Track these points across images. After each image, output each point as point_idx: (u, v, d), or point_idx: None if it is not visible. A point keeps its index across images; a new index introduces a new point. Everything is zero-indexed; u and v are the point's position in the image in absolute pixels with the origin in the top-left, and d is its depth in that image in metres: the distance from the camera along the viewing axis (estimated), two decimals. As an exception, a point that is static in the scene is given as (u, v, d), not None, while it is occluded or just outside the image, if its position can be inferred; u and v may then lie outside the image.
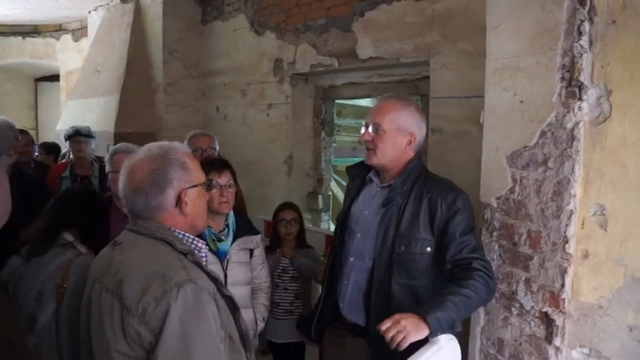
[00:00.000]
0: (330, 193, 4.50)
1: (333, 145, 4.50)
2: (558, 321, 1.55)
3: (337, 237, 2.06)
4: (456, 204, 1.73)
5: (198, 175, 1.42)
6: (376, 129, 1.82)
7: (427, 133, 3.22)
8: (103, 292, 1.28)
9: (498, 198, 1.74)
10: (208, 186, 1.51)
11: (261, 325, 2.30)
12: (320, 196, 4.35)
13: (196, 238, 1.43)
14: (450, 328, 1.59)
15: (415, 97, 3.85)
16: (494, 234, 1.77)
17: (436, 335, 1.54)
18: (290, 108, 4.26)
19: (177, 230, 1.38)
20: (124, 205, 1.40)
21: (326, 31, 3.83)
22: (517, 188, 1.67)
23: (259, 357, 3.07)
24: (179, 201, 1.36)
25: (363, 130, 1.88)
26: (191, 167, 1.40)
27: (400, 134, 1.82)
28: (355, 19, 3.60)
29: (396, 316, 1.55)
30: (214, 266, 2.03)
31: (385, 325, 1.53)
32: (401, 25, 3.32)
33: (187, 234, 1.41)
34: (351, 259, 1.93)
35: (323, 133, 4.33)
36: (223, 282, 2.03)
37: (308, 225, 4.11)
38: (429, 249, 1.76)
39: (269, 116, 4.46)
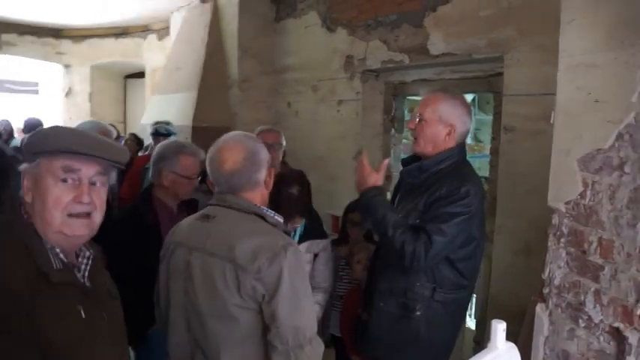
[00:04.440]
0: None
1: (404, 141, 4.44)
2: (632, 339, 1.44)
3: None
4: (454, 189, 1.84)
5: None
6: (420, 119, 1.98)
7: (499, 132, 3.16)
8: (207, 257, 1.51)
9: (567, 203, 1.64)
10: None
11: None
12: (388, 194, 4.31)
13: (275, 213, 1.64)
14: (362, 210, 2.07)
15: (488, 94, 3.71)
16: (562, 240, 1.67)
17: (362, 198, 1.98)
18: (360, 104, 4.25)
19: (259, 205, 1.61)
20: (216, 185, 1.63)
21: (397, 27, 3.78)
22: (588, 193, 1.56)
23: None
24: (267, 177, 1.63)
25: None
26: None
27: (440, 124, 1.95)
28: (427, 13, 3.52)
29: (366, 173, 1.95)
30: None
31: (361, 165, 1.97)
32: (474, 20, 3.21)
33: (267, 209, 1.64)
34: None
35: (393, 130, 4.29)
36: None
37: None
38: (418, 221, 1.90)
39: (339, 112, 4.47)
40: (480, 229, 1.98)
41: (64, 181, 1.18)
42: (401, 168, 4.32)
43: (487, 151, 5.27)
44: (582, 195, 1.59)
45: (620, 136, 1.46)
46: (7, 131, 6.31)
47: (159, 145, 2.62)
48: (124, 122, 8.87)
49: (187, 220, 1.70)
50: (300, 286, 1.47)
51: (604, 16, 1.53)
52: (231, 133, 1.68)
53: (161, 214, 2.39)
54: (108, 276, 1.42)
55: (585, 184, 1.58)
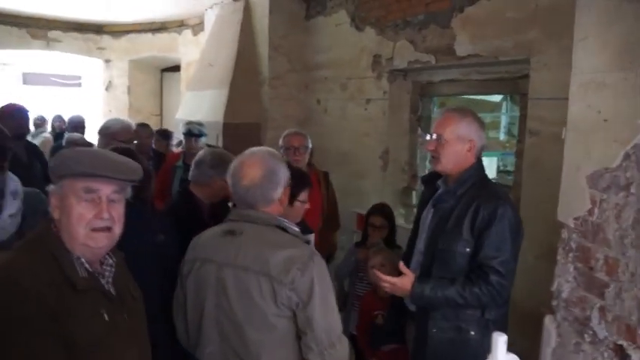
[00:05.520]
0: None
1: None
2: (635, 357, 1.46)
3: (410, 239, 2.33)
4: (496, 212, 1.89)
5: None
6: (439, 139, 2.04)
7: (524, 134, 3.14)
8: (240, 272, 1.59)
9: (576, 219, 1.66)
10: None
11: None
12: (414, 192, 4.34)
13: (291, 222, 1.77)
14: (423, 305, 2.02)
15: (514, 96, 3.67)
16: (570, 255, 1.69)
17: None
18: (387, 103, 4.27)
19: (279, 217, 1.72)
20: (236, 197, 1.71)
21: (425, 27, 3.78)
22: (596, 211, 1.58)
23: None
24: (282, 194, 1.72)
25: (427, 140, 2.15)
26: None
27: (460, 142, 2.02)
28: (454, 14, 3.51)
29: (397, 282, 1.98)
30: None
31: (385, 281, 2.00)
32: (501, 21, 3.18)
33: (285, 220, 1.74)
34: (415, 255, 2.20)
35: (419, 129, 4.29)
36: None
37: (400, 221, 4.14)
38: (467, 249, 1.94)
39: (367, 111, 4.51)
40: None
41: (86, 200, 1.32)
42: (427, 167, 4.36)
43: (518, 149, 5.20)
44: (590, 212, 1.61)
45: (627, 157, 1.47)
46: (60, 126, 6.69)
47: (211, 152, 2.86)
48: (161, 114, 9.13)
49: (207, 236, 1.76)
50: (327, 290, 1.60)
51: (616, 35, 1.53)
52: (255, 149, 1.77)
53: (204, 211, 2.68)
54: (131, 279, 1.54)
55: (593, 202, 1.59)
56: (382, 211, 3.15)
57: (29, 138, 4.31)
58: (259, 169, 1.66)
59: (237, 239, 1.63)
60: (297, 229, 1.73)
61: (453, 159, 2.04)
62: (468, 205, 1.96)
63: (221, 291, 1.62)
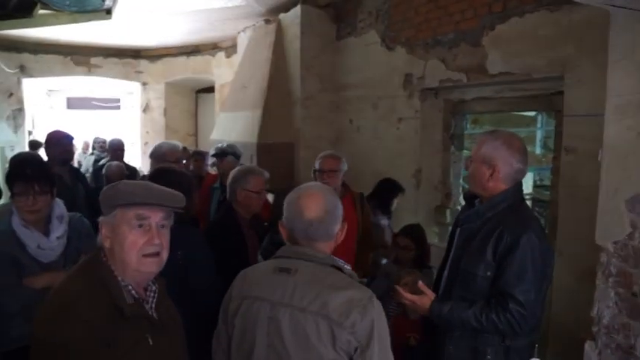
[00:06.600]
0: (460, 207, 4.42)
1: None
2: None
3: (444, 256, 2.27)
4: (519, 239, 1.83)
5: None
6: (470, 159, 2.07)
7: (560, 151, 3.08)
8: (297, 313, 1.52)
9: (615, 243, 1.63)
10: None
11: None
12: (448, 211, 4.31)
13: (345, 262, 1.70)
14: (440, 324, 2.02)
15: (549, 113, 3.62)
16: (610, 280, 1.65)
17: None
18: (419, 122, 4.27)
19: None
20: (296, 232, 1.62)
21: (455, 46, 3.78)
22: (637, 235, 1.55)
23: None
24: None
25: None
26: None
27: (484, 165, 1.97)
28: (485, 32, 3.51)
29: (416, 300, 2.02)
30: None
31: (407, 298, 2.06)
32: (533, 38, 3.16)
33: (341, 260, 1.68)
34: (444, 272, 2.18)
35: (452, 147, 4.27)
36: None
37: (434, 240, 4.11)
38: (488, 273, 1.90)
39: (399, 130, 4.52)
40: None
41: (139, 226, 1.40)
42: (461, 184, 4.32)
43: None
44: (630, 236, 1.57)
45: (668, 180, 1.44)
46: (103, 148, 6.97)
47: (238, 168, 3.07)
48: (196, 134, 9.37)
49: (257, 272, 1.68)
50: (385, 333, 1.53)
51: (652, 56, 1.51)
52: (311, 184, 1.74)
53: (242, 224, 2.86)
54: (171, 304, 1.60)
55: (634, 226, 1.56)
56: (408, 231, 3.14)
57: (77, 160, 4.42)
58: (322, 202, 1.60)
59: (292, 277, 1.56)
60: (349, 267, 1.65)
61: (477, 182, 2.01)
62: (494, 229, 1.92)
63: (274, 332, 1.54)
